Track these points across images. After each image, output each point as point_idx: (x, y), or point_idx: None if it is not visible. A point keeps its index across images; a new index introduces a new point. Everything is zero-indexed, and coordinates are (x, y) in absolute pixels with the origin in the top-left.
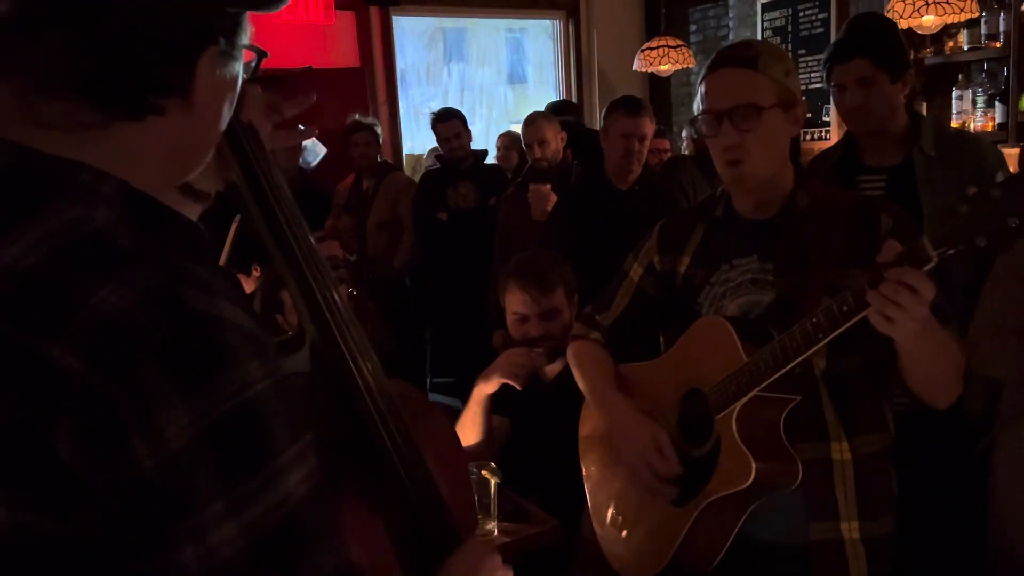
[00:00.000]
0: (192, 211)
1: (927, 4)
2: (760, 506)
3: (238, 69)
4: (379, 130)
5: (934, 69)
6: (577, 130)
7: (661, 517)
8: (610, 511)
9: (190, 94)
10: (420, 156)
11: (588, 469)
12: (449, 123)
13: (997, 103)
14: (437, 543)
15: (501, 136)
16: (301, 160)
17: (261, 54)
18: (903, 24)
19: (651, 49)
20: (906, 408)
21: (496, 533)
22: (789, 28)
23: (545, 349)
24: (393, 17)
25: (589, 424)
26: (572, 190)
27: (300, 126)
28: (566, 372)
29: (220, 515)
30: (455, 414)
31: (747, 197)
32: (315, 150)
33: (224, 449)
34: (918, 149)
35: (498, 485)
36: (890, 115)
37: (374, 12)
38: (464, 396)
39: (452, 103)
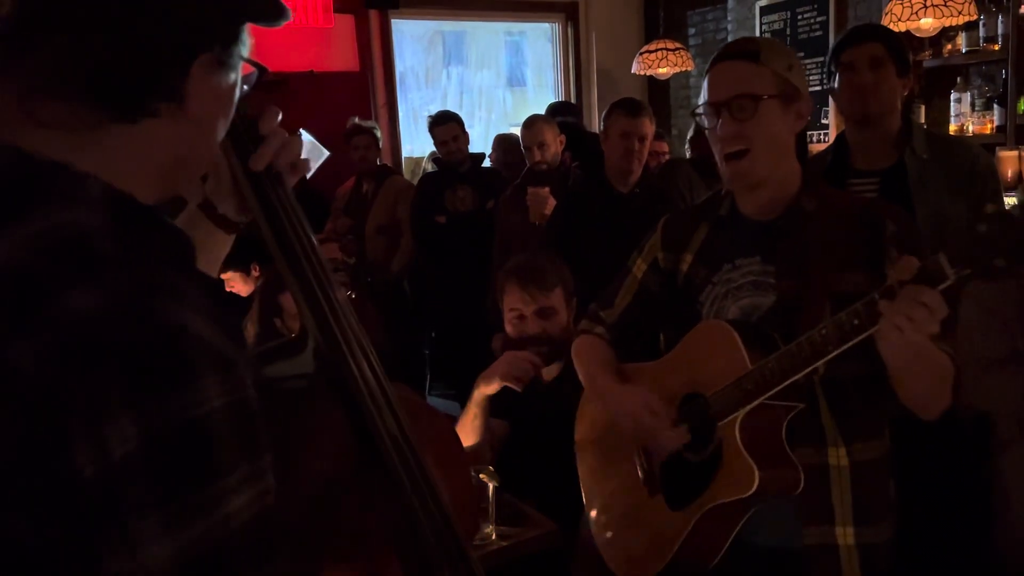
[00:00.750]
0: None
1: (925, 7)
2: (756, 510)
3: (234, 79)
4: (378, 133)
5: (932, 72)
6: (577, 131)
7: (660, 521)
8: (607, 514)
9: (184, 99)
10: (420, 159)
11: (584, 472)
12: (447, 126)
13: (995, 106)
14: (437, 545)
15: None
16: None
17: (262, 70)
18: (901, 27)
19: (650, 52)
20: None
21: (494, 537)
22: (787, 31)
23: (543, 352)
24: (392, 20)
25: (584, 426)
26: (570, 193)
27: (301, 130)
28: (563, 374)
29: (153, 531)
30: (453, 420)
31: (750, 197)
32: (316, 153)
33: (166, 464)
34: (911, 151)
35: (496, 489)
36: (890, 109)
37: (373, 15)
38: (463, 400)
39: (451, 106)
